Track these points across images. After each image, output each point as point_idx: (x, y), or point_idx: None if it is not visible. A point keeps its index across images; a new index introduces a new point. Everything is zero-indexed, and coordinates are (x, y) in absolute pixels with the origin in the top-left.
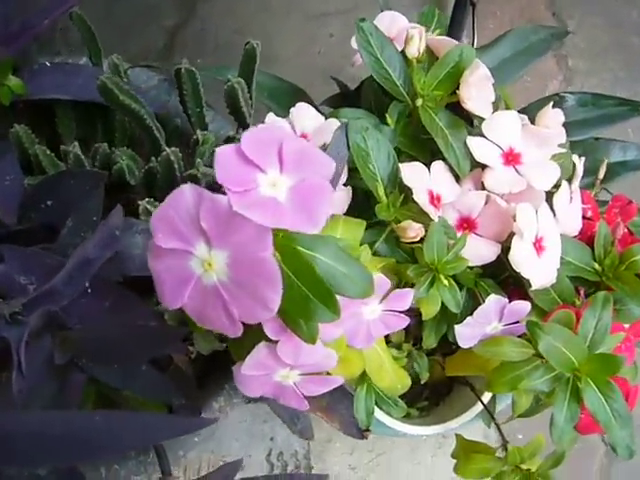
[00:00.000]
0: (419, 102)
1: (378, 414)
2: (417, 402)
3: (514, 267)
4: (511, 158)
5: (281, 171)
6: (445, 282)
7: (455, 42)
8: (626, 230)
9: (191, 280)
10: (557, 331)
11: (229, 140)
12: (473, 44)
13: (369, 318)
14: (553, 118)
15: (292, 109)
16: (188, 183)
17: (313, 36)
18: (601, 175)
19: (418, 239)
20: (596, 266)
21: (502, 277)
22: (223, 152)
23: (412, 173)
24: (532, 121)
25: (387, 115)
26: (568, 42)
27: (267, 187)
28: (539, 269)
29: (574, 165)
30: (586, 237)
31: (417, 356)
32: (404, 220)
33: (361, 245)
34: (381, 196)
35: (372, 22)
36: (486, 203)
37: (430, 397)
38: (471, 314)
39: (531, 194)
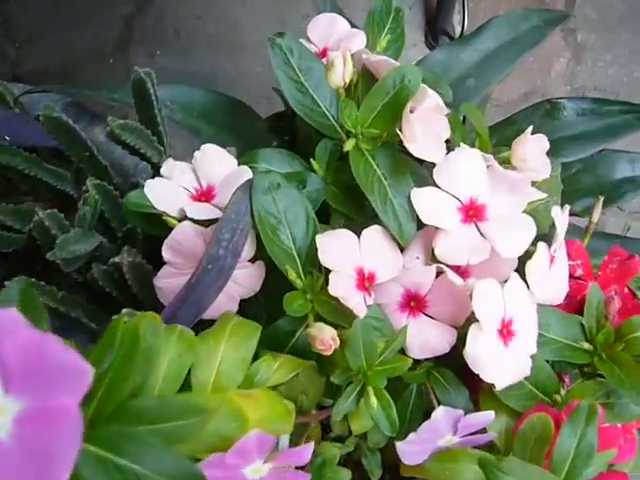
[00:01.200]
0: (350, 144)
1: None
2: None
3: (471, 367)
4: (472, 212)
5: (6, 390)
6: (373, 400)
7: (394, 63)
8: (627, 292)
9: None
10: (520, 469)
11: (133, 186)
12: (463, 29)
13: (253, 478)
14: (533, 147)
15: (196, 152)
16: None
17: (284, 19)
18: (595, 218)
19: (331, 352)
20: (585, 345)
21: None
22: None
23: (332, 246)
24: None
25: (313, 160)
26: (577, 13)
27: None
28: (506, 364)
29: (554, 220)
30: (575, 303)
31: (366, 450)
32: (324, 312)
33: (261, 355)
34: (294, 279)
35: (292, 37)
36: (438, 275)
37: None
38: (423, 418)
39: (497, 262)
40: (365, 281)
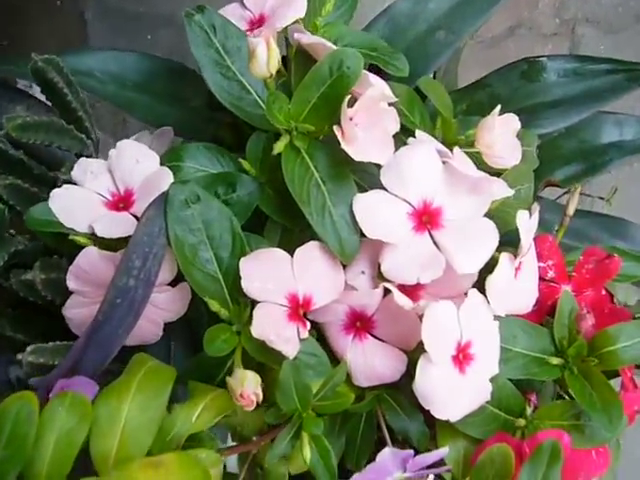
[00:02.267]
0: (282, 142)
1: None
2: None
3: (420, 402)
4: (425, 218)
5: None
6: (307, 450)
7: (330, 46)
8: (604, 294)
9: None
10: None
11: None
12: None
13: None
14: (502, 130)
15: (112, 151)
16: None
17: None
18: (571, 211)
19: (254, 407)
20: (555, 360)
21: None
22: None
23: (259, 271)
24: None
25: (243, 160)
26: None
27: None
28: (462, 394)
29: (529, 216)
30: (545, 308)
31: None
32: (251, 349)
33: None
34: (218, 310)
35: (214, 12)
36: (387, 293)
37: None
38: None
39: (453, 276)
40: (299, 309)
